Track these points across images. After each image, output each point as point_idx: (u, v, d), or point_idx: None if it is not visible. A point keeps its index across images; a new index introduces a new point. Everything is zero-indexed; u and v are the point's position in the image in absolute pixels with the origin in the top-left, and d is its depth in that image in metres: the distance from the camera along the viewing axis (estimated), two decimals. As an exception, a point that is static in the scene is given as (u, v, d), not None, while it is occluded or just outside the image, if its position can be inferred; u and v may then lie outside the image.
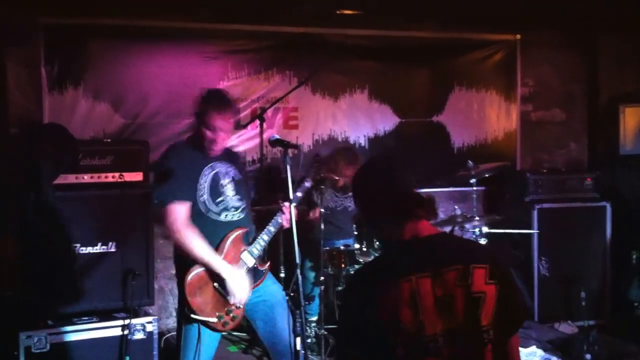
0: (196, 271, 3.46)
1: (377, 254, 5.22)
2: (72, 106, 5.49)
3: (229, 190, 3.66)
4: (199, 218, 3.55)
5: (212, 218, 3.59)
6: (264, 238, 3.70)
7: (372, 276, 2.37)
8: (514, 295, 2.37)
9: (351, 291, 2.47)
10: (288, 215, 3.57)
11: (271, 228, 3.72)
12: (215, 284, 3.50)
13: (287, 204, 3.58)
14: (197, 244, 3.47)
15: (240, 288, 3.54)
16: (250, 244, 3.68)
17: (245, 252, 3.63)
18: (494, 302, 2.29)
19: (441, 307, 2.25)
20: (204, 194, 3.57)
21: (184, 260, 3.51)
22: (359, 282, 2.45)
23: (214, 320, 3.48)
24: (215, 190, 3.61)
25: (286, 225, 3.70)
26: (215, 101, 3.61)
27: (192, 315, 3.42)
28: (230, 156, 3.83)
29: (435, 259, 2.31)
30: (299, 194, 4.02)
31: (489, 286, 2.29)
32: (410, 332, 2.22)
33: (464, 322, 2.26)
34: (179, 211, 3.49)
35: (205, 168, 3.62)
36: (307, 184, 4.14)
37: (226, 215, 3.62)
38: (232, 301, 3.53)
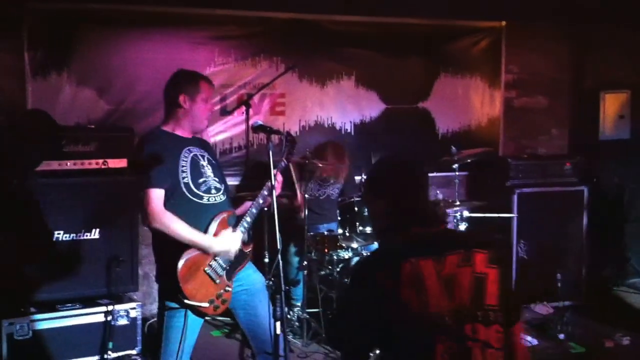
0: (186, 257, 3.23)
1: (359, 239, 5.08)
2: (56, 92, 5.17)
3: (209, 171, 3.44)
4: (183, 203, 3.30)
5: (196, 201, 3.34)
6: (247, 220, 3.49)
7: (373, 263, 2.39)
8: (510, 281, 2.40)
9: (354, 279, 2.52)
10: (274, 189, 3.40)
11: (253, 210, 3.51)
12: (206, 269, 3.29)
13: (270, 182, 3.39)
14: (180, 226, 3.23)
15: (232, 245, 3.36)
16: (234, 226, 3.45)
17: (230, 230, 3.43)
18: (497, 285, 2.28)
19: (446, 285, 2.24)
20: (187, 176, 3.33)
21: (169, 247, 3.25)
22: (359, 270, 2.56)
23: (206, 305, 3.28)
24: (197, 171, 3.38)
25: (278, 190, 3.52)
26: (199, 75, 3.53)
27: (186, 301, 3.21)
28: (202, 142, 3.61)
29: (437, 246, 2.31)
30: (275, 172, 3.66)
31: (491, 269, 2.30)
32: (415, 312, 2.20)
33: (470, 301, 2.25)
34: (158, 196, 3.25)
35: (184, 151, 3.38)
36: (283, 164, 3.85)
37: (209, 197, 3.38)
38: (233, 263, 3.38)
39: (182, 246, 3.24)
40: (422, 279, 2.22)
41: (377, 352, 2.35)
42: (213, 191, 3.41)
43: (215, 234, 3.35)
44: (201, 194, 3.36)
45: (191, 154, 3.41)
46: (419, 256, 2.24)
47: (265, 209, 3.63)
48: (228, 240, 3.36)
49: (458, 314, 2.23)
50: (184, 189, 3.32)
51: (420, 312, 2.20)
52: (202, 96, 3.43)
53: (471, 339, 2.23)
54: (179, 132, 3.43)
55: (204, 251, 3.29)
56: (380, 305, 2.23)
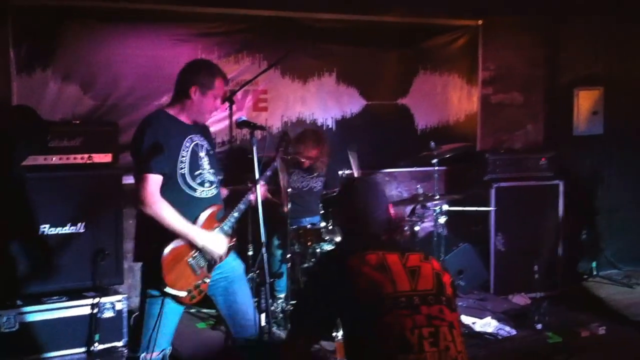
0: (172, 246, 3.25)
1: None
2: (41, 88, 5.13)
3: (206, 163, 3.44)
4: (175, 193, 3.30)
5: (187, 193, 3.34)
6: (234, 215, 3.51)
7: (339, 251, 2.61)
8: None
9: (318, 264, 2.77)
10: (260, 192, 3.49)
11: (242, 206, 3.54)
12: (189, 259, 3.31)
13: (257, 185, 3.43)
14: (172, 215, 3.23)
15: (219, 248, 3.38)
16: (221, 220, 3.48)
17: (218, 229, 3.44)
18: (449, 285, 2.50)
19: (411, 274, 2.41)
20: (185, 167, 3.33)
21: (156, 234, 3.25)
22: (325, 258, 2.81)
23: (184, 294, 3.29)
24: (195, 163, 3.38)
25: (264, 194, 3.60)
26: (217, 70, 3.46)
27: (166, 290, 3.23)
28: (203, 129, 3.58)
29: (400, 246, 2.53)
30: (268, 173, 3.84)
31: (444, 272, 2.52)
32: (387, 291, 2.34)
33: (434, 287, 2.42)
34: (156, 182, 3.23)
35: (186, 139, 3.36)
36: (276, 164, 3.95)
37: (202, 191, 3.39)
38: (216, 261, 3.39)
39: (169, 234, 3.25)
40: (388, 265, 2.40)
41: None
42: (207, 184, 3.42)
43: (203, 227, 3.36)
44: (195, 186, 3.36)
45: (192, 144, 3.38)
46: (384, 249, 2.45)
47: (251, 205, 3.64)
48: (216, 242, 3.38)
49: (425, 297, 2.38)
50: (179, 180, 3.32)
51: (387, 291, 2.34)
52: (213, 92, 3.40)
53: (439, 318, 2.35)
54: (182, 118, 3.40)
55: (190, 242, 3.30)
56: (344, 282, 2.38)
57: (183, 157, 3.32)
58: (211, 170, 3.46)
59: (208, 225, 3.39)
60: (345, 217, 2.75)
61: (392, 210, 2.68)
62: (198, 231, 3.32)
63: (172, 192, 3.29)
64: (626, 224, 6.89)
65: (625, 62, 6.94)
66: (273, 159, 4.02)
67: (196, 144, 3.40)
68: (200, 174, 3.39)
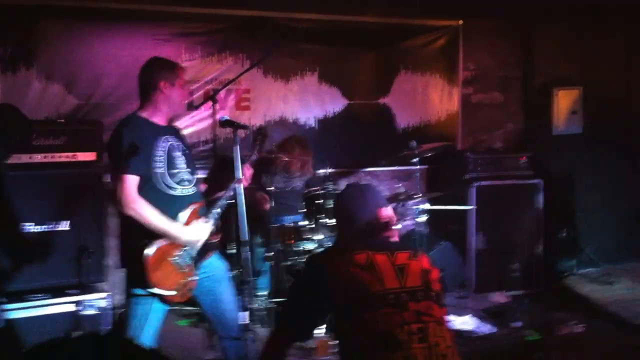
0: (156, 246, 3.28)
1: (324, 231, 5.13)
2: (25, 87, 5.16)
3: (182, 162, 3.49)
4: (154, 193, 3.34)
5: (167, 193, 3.39)
6: (217, 211, 3.56)
7: (326, 253, 2.74)
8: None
9: (305, 265, 2.74)
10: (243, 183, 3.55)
11: (224, 201, 3.59)
12: (174, 258, 3.34)
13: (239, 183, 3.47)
14: (152, 214, 3.27)
15: (201, 235, 3.43)
16: (204, 217, 3.52)
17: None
18: (437, 282, 2.55)
19: (399, 271, 2.46)
20: (162, 166, 3.38)
21: (138, 234, 3.29)
22: (312, 259, 2.82)
23: (173, 293, 3.32)
24: (171, 162, 3.43)
25: (247, 182, 3.65)
26: (174, 62, 3.62)
27: (153, 290, 3.25)
28: (176, 130, 3.65)
29: (389, 246, 2.59)
30: (254, 157, 3.91)
31: (433, 268, 2.58)
32: (375, 289, 2.39)
33: (422, 284, 2.47)
34: (133, 183, 3.28)
35: (161, 140, 3.42)
36: (255, 157, 3.96)
37: (182, 189, 3.44)
38: (201, 256, 3.44)
39: (152, 234, 3.28)
40: (376, 264, 2.45)
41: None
42: (185, 183, 3.46)
43: (186, 224, 3.39)
44: (173, 185, 3.41)
45: (168, 144, 3.44)
46: (372, 249, 2.51)
47: (233, 200, 3.68)
48: (197, 231, 3.42)
49: (413, 293, 2.44)
50: (157, 179, 3.36)
51: (376, 289, 2.39)
52: (179, 82, 3.50)
53: (427, 314, 2.39)
54: (155, 120, 3.46)
55: (173, 240, 3.33)
56: (327, 283, 2.44)
57: (160, 156, 3.37)
58: (188, 169, 3.51)
59: (190, 222, 3.43)
60: (336, 219, 2.87)
61: (386, 212, 2.72)
62: (180, 228, 3.35)
63: (152, 192, 3.33)
64: (605, 222, 6.92)
65: (602, 63, 7.02)
66: (251, 153, 4.06)
67: (171, 144, 3.46)
68: (178, 172, 3.44)
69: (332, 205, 5.02)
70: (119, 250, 3.53)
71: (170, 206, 3.37)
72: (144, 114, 3.47)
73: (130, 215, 3.26)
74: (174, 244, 3.34)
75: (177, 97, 3.51)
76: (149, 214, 3.27)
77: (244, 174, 3.58)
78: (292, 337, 2.63)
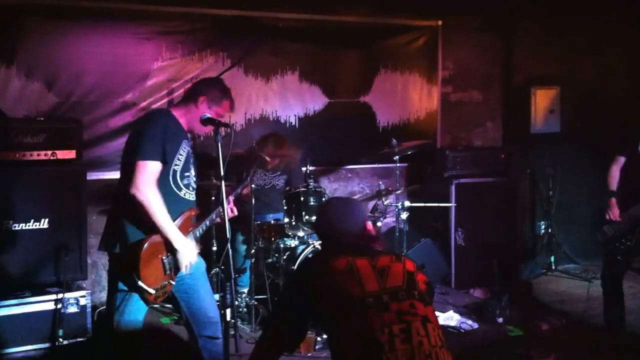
0: (152, 241, 3.30)
1: (305, 228, 5.12)
2: (4, 85, 5.12)
3: (193, 169, 3.57)
4: (164, 187, 3.35)
5: (174, 191, 3.43)
6: (206, 223, 3.64)
7: (310, 261, 2.84)
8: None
9: (293, 272, 2.92)
10: (230, 205, 3.74)
11: (213, 216, 3.69)
12: (164, 257, 3.37)
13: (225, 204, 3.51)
14: (160, 205, 3.28)
15: (190, 256, 3.44)
16: (195, 225, 3.58)
17: (191, 234, 3.52)
18: (424, 283, 2.53)
19: (380, 274, 2.44)
20: (179, 165, 3.42)
21: (138, 224, 3.31)
22: (297, 268, 3.01)
23: (152, 292, 3.33)
24: (187, 165, 3.48)
25: (230, 215, 3.66)
26: (229, 94, 3.69)
27: (139, 283, 3.25)
28: (191, 140, 3.71)
29: (371, 251, 2.57)
30: (238, 190, 4.16)
31: (419, 273, 2.55)
32: (354, 292, 2.37)
33: (404, 283, 2.44)
34: (156, 169, 3.30)
35: (185, 141, 3.48)
36: (239, 190, 4.15)
37: (186, 193, 3.49)
38: (182, 269, 3.43)
39: (148, 229, 3.31)
40: (356, 268, 2.44)
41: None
42: (190, 188, 3.53)
43: (179, 228, 3.40)
44: (182, 186, 3.46)
45: (188, 148, 3.50)
46: (354, 254, 2.50)
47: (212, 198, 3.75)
48: (190, 251, 3.43)
49: (395, 293, 2.41)
50: (171, 175, 3.40)
51: (355, 293, 2.38)
52: (217, 109, 3.57)
53: (410, 313, 2.37)
54: (182, 122, 3.51)
55: (167, 240, 3.34)
56: (309, 289, 2.46)
57: (180, 154, 3.43)
58: (195, 177, 3.59)
59: (184, 227, 3.46)
60: (320, 231, 2.84)
61: (369, 226, 2.73)
62: (179, 234, 3.37)
63: (162, 185, 3.34)
64: (583, 219, 6.90)
65: (579, 63, 7.14)
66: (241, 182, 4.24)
67: (189, 150, 3.52)
68: (188, 176, 3.50)
69: (313, 203, 5.09)
70: (107, 235, 3.48)
71: (172, 204, 3.39)
72: (176, 113, 3.53)
73: (139, 201, 3.25)
74: (166, 243, 3.35)
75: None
76: (157, 205, 3.28)
77: (228, 202, 3.70)
78: (282, 347, 2.60)
